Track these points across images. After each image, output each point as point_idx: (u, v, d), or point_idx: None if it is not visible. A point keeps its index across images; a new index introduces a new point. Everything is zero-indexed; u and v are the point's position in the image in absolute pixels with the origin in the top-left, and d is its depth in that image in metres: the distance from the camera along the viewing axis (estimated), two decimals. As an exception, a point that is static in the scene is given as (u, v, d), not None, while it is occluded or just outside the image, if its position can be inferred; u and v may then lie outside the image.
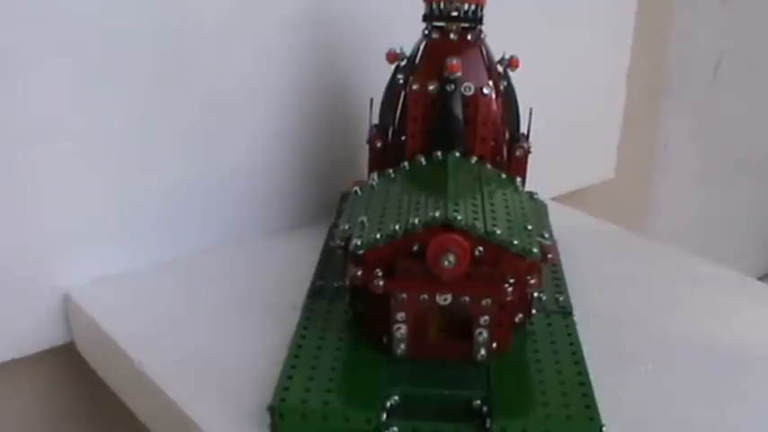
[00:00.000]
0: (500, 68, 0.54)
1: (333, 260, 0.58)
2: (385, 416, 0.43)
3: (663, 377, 0.50)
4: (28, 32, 0.52)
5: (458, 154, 0.51)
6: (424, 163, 0.51)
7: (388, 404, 0.44)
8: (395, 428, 0.43)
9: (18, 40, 0.52)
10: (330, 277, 0.56)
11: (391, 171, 0.52)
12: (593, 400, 0.44)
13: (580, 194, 0.95)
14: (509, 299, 0.45)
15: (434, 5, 0.52)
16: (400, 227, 0.44)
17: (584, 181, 0.96)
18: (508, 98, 0.54)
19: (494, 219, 0.45)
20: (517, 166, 0.54)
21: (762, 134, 1.34)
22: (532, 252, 0.44)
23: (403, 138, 0.52)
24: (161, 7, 0.57)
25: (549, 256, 0.46)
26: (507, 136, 0.54)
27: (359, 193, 0.52)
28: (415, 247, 0.44)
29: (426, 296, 0.45)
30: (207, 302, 0.57)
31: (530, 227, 0.46)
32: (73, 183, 0.57)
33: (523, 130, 0.55)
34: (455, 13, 0.51)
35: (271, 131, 0.66)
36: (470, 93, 0.51)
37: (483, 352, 0.46)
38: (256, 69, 0.64)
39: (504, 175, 0.52)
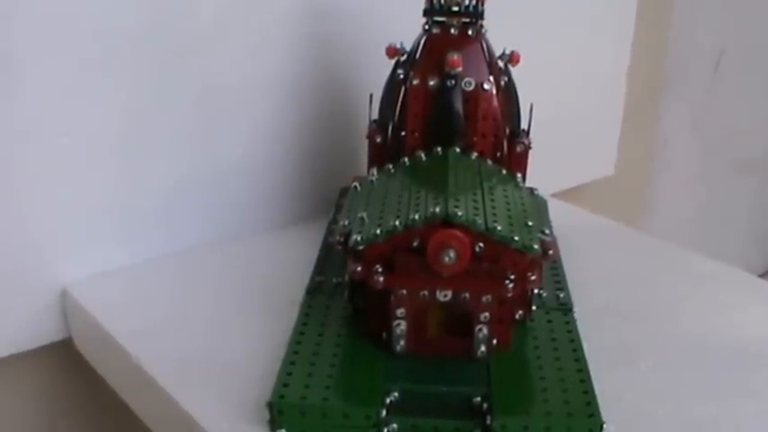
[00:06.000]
0: (501, 64, 0.53)
1: (332, 256, 0.58)
2: (384, 412, 0.43)
3: (663, 374, 0.50)
4: (25, 30, 0.52)
5: (458, 149, 0.51)
6: (424, 158, 0.51)
7: (388, 401, 0.43)
8: (394, 425, 0.42)
9: (16, 38, 0.52)
10: (329, 273, 0.56)
11: (391, 166, 0.52)
12: (593, 396, 0.44)
13: (580, 191, 0.95)
14: (509, 295, 0.45)
15: (435, 0, 0.51)
16: (400, 222, 0.44)
17: (584, 177, 0.96)
18: (509, 94, 0.54)
19: (494, 215, 0.45)
20: (517, 161, 0.54)
21: (762, 131, 1.34)
22: (533, 248, 0.44)
23: (403, 133, 0.52)
24: (159, 3, 0.57)
25: (550, 252, 0.46)
26: (508, 132, 0.53)
27: (358, 188, 0.51)
28: (415, 243, 0.44)
29: (426, 292, 0.45)
30: (205, 298, 0.57)
31: (530, 223, 0.46)
32: (71, 178, 0.57)
33: (524, 125, 0.55)
34: (456, 8, 0.51)
35: (270, 127, 0.66)
36: (471, 88, 0.51)
37: (483, 348, 0.46)
38: (255, 65, 0.63)
39: (504, 171, 0.52)
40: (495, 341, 0.47)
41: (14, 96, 0.53)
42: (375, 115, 0.56)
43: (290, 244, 0.65)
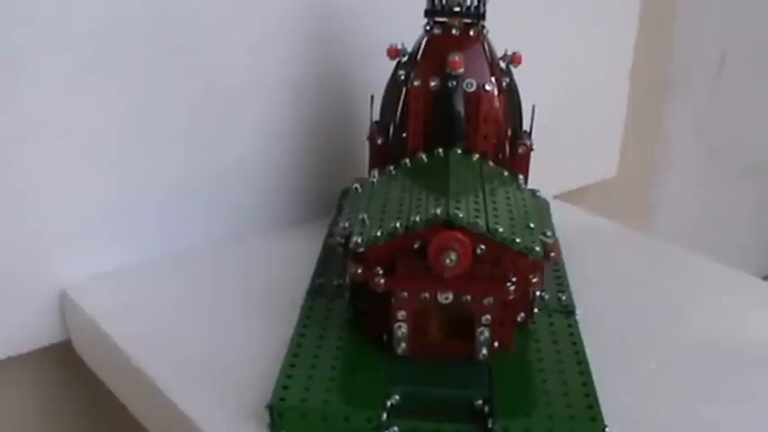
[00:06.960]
0: (502, 65, 0.53)
1: (333, 257, 0.58)
2: (385, 415, 0.42)
3: (666, 377, 0.49)
4: (25, 30, 0.52)
5: (459, 151, 0.51)
6: (425, 160, 0.51)
7: (389, 403, 0.43)
8: (395, 428, 0.42)
9: (16, 38, 0.52)
10: (330, 275, 0.56)
11: (392, 168, 0.52)
12: (595, 399, 0.43)
13: (582, 192, 0.94)
14: (511, 297, 0.45)
15: (436, 1, 0.51)
16: (401, 224, 0.44)
17: (586, 179, 0.96)
18: (510, 95, 0.54)
19: (496, 216, 0.45)
20: (519, 163, 0.54)
21: (766, 134, 1.34)
22: (535, 250, 0.44)
23: (404, 134, 0.52)
24: (160, 3, 0.57)
25: (552, 254, 0.45)
26: (509, 133, 0.53)
27: (359, 190, 0.51)
28: (417, 245, 0.44)
29: (427, 294, 0.45)
30: (205, 300, 0.57)
31: (532, 225, 0.46)
32: (71, 179, 0.57)
33: (526, 127, 0.55)
34: (457, 9, 0.51)
35: (270, 127, 0.66)
36: (472, 89, 0.50)
37: (485, 351, 0.46)
38: (256, 65, 0.63)
39: (506, 173, 0.52)
40: (496, 343, 0.46)
41: (14, 96, 0.53)
42: (376, 116, 0.56)
43: (290, 245, 0.65)
